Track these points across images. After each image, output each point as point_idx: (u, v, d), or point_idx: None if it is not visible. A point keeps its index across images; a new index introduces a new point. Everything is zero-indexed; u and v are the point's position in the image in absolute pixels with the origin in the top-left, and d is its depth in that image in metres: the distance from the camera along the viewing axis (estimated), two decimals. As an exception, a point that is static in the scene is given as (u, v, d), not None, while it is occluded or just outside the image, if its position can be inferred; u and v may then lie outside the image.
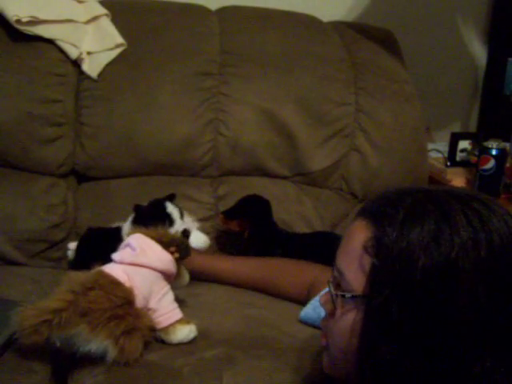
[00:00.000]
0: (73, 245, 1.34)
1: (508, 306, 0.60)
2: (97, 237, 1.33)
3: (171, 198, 1.31)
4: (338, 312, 0.68)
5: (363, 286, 0.65)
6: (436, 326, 0.60)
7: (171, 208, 1.28)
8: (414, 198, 0.66)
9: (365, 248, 0.65)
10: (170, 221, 1.26)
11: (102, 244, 1.30)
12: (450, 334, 0.60)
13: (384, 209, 0.65)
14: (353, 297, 0.66)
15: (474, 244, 0.60)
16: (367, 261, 0.64)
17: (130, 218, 1.27)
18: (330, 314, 0.71)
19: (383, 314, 0.62)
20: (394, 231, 0.62)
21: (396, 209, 0.64)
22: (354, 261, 0.66)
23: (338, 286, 0.69)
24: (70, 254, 1.34)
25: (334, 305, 0.69)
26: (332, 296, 0.69)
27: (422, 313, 0.60)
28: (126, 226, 1.28)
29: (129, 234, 1.24)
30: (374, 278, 0.63)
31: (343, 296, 0.67)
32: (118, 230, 1.29)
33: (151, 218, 1.26)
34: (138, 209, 1.27)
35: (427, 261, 0.60)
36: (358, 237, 0.67)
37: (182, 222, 1.28)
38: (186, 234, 1.14)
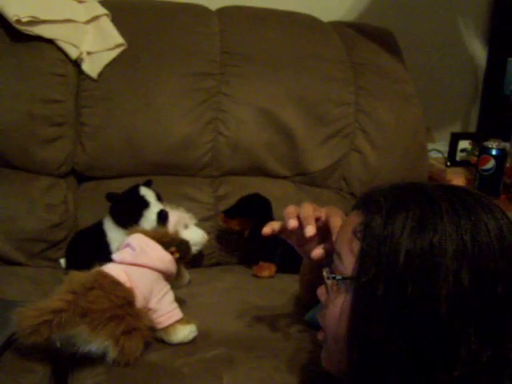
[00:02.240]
0: (63, 261, 1.35)
1: (492, 290, 0.62)
2: (81, 239, 1.34)
3: (148, 183, 1.32)
4: (332, 297, 0.71)
5: (353, 269, 0.68)
6: (420, 306, 0.61)
7: (145, 191, 1.29)
8: (403, 189, 0.69)
9: (354, 233, 0.68)
10: (144, 203, 1.27)
11: (87, 244, 1.31)
12: (435, 316, 0.61)
13: (374, 198, 0.69)
14: (343, 279, 0.69)
15: (458, 229, 0.62)
16: (356, 245, 0.68)
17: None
18: (326, 306, 0.73)
19: (370, 292, 0.64)
20: (381, 217, 0.66)
21: (385, 198, 0.68)
22: (345, 246, 0.70)
23: (331, 272, 0.72)
24: (63, 263, 1.35)
25: (328, 290, 0.72)
26: (326, 282, 0.72)
27: (406, 293, 0.62)
28: (106, 219, 1.29)
29: (106, 224, 1.26)
30: (362, 260, 0.66)
31: (334, 278, 0.70)
32: (100, 224, 1.30)
33: (125, 203, 1.27)
34: (111, 196, 1.28)
35: (411, 244, 0.62)
36: (350, 224, 0.70)
37: (158, 204, 1.28)
38: (161, 214, 1.12)
